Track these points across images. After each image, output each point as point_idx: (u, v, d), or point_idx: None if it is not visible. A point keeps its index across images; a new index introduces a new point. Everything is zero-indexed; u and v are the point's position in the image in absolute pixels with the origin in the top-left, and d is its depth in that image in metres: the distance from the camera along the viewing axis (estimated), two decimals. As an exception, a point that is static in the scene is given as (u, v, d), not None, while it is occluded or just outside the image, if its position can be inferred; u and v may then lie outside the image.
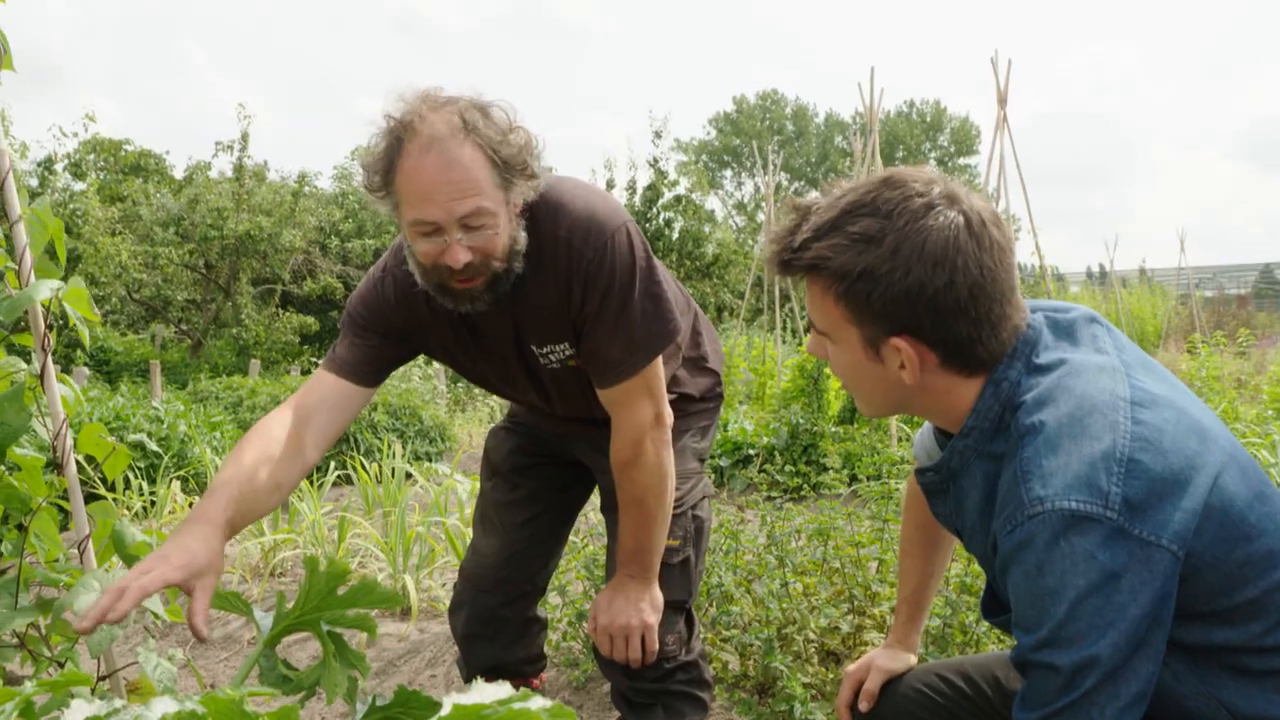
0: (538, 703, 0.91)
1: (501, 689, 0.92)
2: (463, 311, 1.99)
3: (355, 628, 1.64)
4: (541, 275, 2.00)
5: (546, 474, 2.51)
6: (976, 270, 1.35)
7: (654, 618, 2.18)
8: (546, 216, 1.98)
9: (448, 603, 2.69)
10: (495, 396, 2.44)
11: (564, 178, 2.08)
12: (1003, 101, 7.80)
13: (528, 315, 2.06)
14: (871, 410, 1.55)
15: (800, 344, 9.99)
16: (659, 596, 2.20)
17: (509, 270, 1.93)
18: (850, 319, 1.41)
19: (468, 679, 2.55)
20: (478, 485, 2.82)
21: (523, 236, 1.94)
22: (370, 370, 2.11)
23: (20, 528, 1.88)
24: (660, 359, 2.11)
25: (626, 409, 2.10)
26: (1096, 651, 1.25)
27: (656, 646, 2.20)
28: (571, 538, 3.65)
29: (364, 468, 5.71)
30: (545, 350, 2.11)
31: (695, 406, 2.39)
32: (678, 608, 2.29)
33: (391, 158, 1.81)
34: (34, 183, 19.32)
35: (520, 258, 1.94)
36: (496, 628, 2.53)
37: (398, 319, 2.10)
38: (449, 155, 1.78)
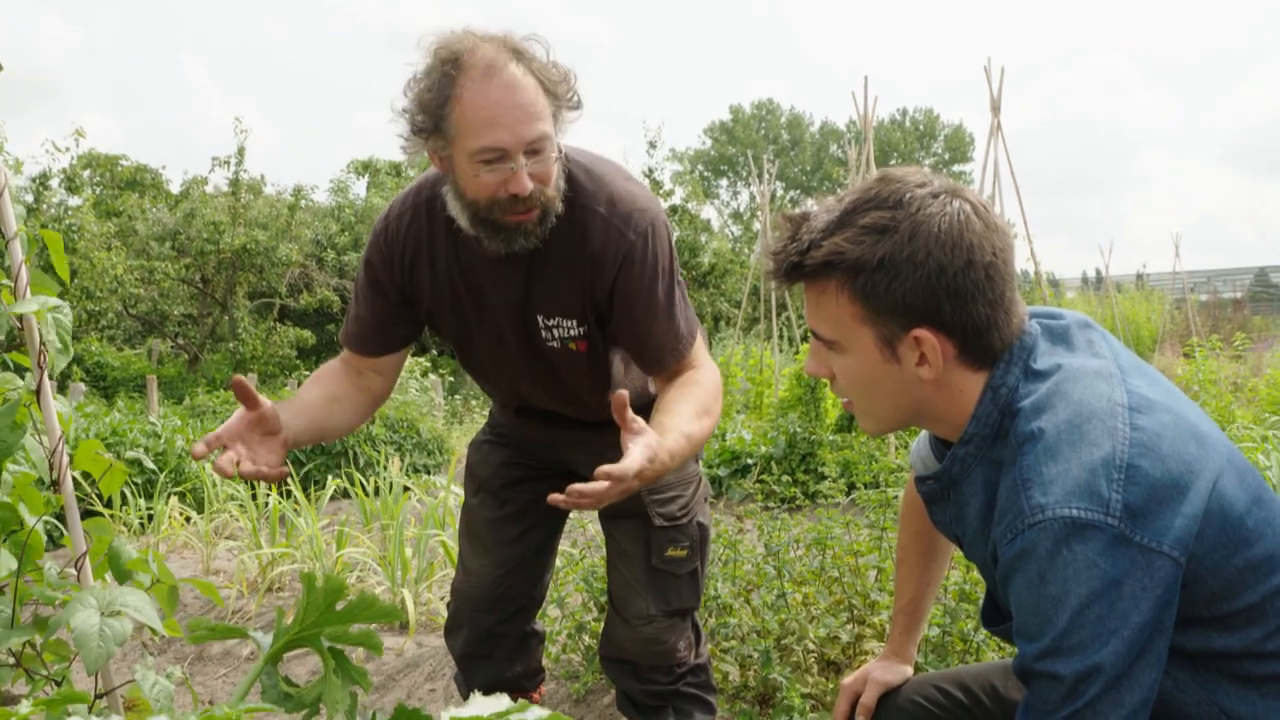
0: (535, 713, 0.91)
1: (499, 701, 0.92)
2: (515, 248, 1.94)
3: (360, 645, 1.63)
4: (571, 243, 1.98)
5: (537, 487, 2.40)
6: (990, 251, 1.36)
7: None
8: (586, 189, 1.98)
9: (446, 616, 2.67)
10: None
11: (603, 158, 2.08)
12: (996, 109, 7.83)
13: (544, 281, 2.03)
14: (878, 425, 1.52)
15: (798, 353, 9.98)
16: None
17: (556, 205, 1.92)
18: (865, 317, 1.39)
19: (466, 697, 2.54)
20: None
21: (563, 176, 1.94)
22: (381, 341, 2.17)
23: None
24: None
25: (699, 367, 2.08)
26: (1099, 660, 1.24)
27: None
28: (570, 550, 3.65)
29: (362, 484, 5.70)
30: (552, 323, 2.08)
31: None
32: (686, 614, 2.31)
33: (446, 90, 1.80)
34: (29, 198, 19.26)
35: (562, 195, 1.94)
36: (494, 645, 2.51)
37: (398, 272, 2.10)
38: (513, 80, 1.78)
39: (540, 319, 2.08)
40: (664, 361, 2.06)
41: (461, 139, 1.82)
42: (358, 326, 2.17)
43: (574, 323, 2.07)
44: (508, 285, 2.04)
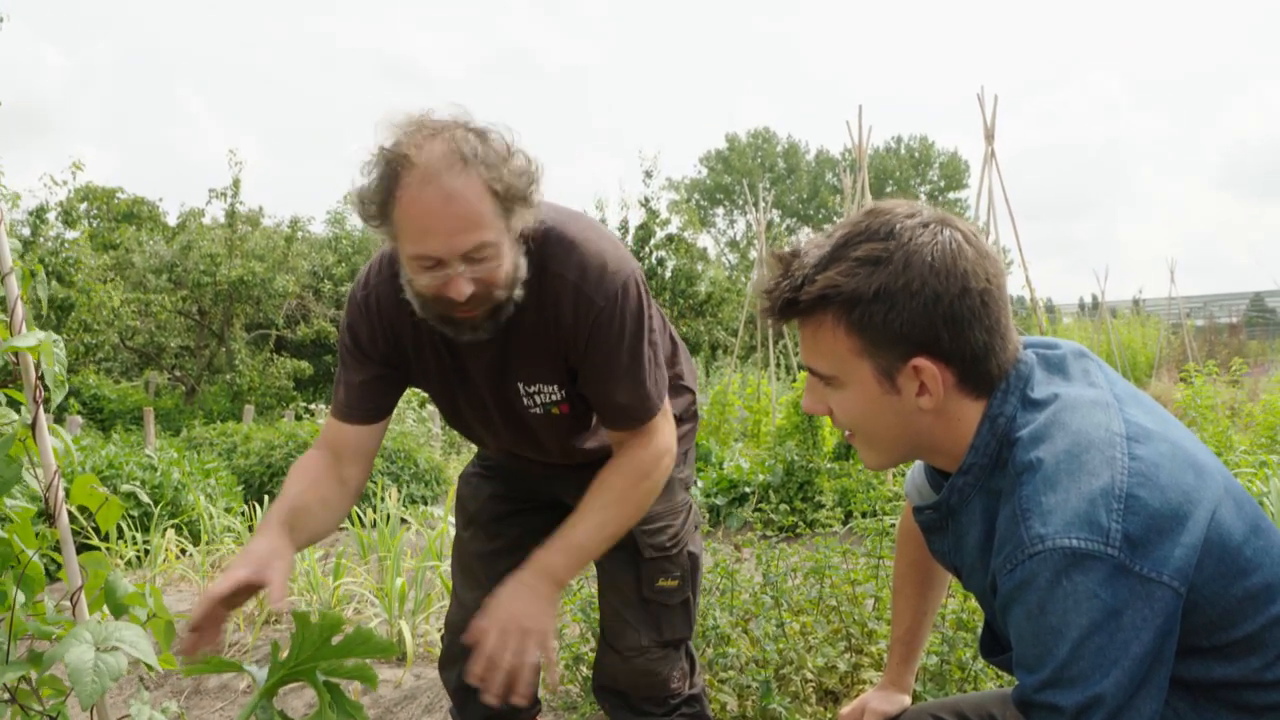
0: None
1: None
2: (463, 340, 1.95)
3: (354, 679, 1.63)
4: (543, 311, 1.96)
5: (527, 520, 2.42)
6: (984, 277, 1.36)
7: (552, 637, 2.02)
8: (557, 256, 1.95)
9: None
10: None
11: (576, 216, 2.05)
12: (990, 137, 7.86)
13: (520, 348, 2.02)
14: (880, 459, 1.51)
15: (795, 381, 9.98)
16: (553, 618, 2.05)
17: (510, 299, 1.89)
18: (863, 350, 1.39)
19: (462, 729, 2.52)
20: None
21: (523, 264, 1.90)
22: (373, 407, 2.11)
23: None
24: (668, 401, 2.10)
25: (638, 447, 2.08)
26: (1100, 691, 1.23)
27: (545, 681, 2.05)
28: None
29: (359, 517, 5.68)
30: (533, 389, 2.07)
31: (677, 430, 2.31)
32: (679, 644, 2.29)
33: (389, 189, 1.76)
34: (26, 232, 19.29)
35: (521, 285, 1.90)
36: None
37: (382, 341, 2.07)
38: (449, 188, 1.72)
39: (521, 386, 2.08)
40: (627, 424, 2.05)
41: (401, 240, 1.81)
42: (349, 393, 2.11)
43: (554, 388, 2.07)
44: (486, 355, 2.04)
